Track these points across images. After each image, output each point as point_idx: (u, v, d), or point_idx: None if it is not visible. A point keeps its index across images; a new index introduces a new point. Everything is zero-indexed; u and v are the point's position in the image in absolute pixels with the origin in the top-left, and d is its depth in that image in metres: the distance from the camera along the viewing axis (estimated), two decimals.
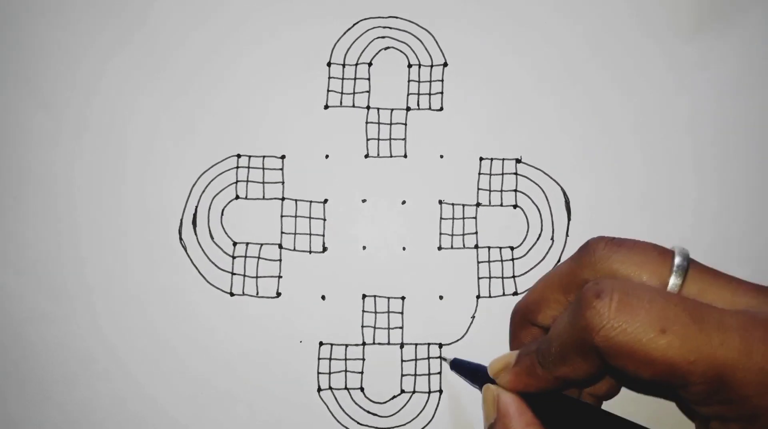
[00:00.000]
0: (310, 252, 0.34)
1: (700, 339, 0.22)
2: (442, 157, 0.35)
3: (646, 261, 0.25)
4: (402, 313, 0.34)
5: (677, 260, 0.24)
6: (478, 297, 0.34)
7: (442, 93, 0.35)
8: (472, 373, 0.32)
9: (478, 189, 0.35)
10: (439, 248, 0.35)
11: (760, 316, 0.23)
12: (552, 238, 0.35)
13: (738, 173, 0.35)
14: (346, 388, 0.34)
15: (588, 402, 0.29)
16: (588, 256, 0.26)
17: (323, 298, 0.34)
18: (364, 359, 0.34)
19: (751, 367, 0.21)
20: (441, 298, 0.34)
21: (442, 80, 0.35)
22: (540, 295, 0.26)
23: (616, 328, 0.22)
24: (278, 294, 0.34)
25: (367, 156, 0.35)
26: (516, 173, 0.35)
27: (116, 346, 0.34)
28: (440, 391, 0.34)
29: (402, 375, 0.34)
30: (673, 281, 0.25)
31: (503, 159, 0.35)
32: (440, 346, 0.34)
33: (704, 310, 0.23)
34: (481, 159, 0.35)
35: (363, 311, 0.34)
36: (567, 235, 0.35)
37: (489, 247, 0.35)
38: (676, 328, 0.22)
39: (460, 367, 0.33)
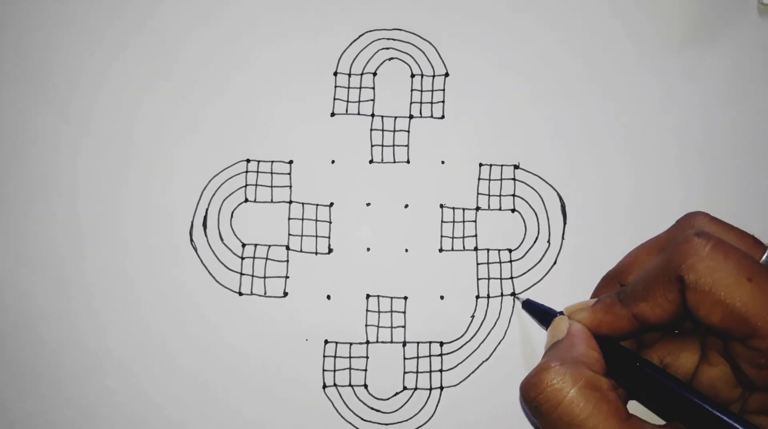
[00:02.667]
0: (316, 253, 0.36)
1: None
2: (443, 162, 0.37)
3: (741, 241, 0.26)
4: (404, 312, 0.35)
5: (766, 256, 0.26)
6: (477, 297, 0.36)
7: (443, 102, 0.37)
8: (543, 313, 0.33)
9: (478, 193, 0.36)
10: (440, 250, 0.36)
11: None
12: (548, 241, 0.36)
13: (724, 179, 0.36)
14: (350, 385, 0.35)
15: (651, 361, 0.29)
16: (688, 223, 0.28)
17: (329, 297, 0.35)
18: (367, 357, 0.35)
19: None
20: (442, 298, 0.36)
21: (444, 90, 0.37)
22: (634, 258, 0.27)
23: (706, 264, 0.24)
24: (285, 294, 0.35)
25: (371, 161, 0.36)
26: (514, 179, 0.37)
27: (127, 343, 0.35)
28: (441, 388, 0.35)
29: (404, 372, 0.35)
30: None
31: (502, 165, 0.37)
32: (441, 344, 0.35)
33: None
34: (480, 165, 0.37)
35: (367, 310, 0.35)
36: (563, 237, 0.36)
37: (488, 250, 0.36)
38: (761, 280, 0.23)
39: (531, 307, 0.33)
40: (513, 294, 0.36)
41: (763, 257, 0.26)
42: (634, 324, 0.27)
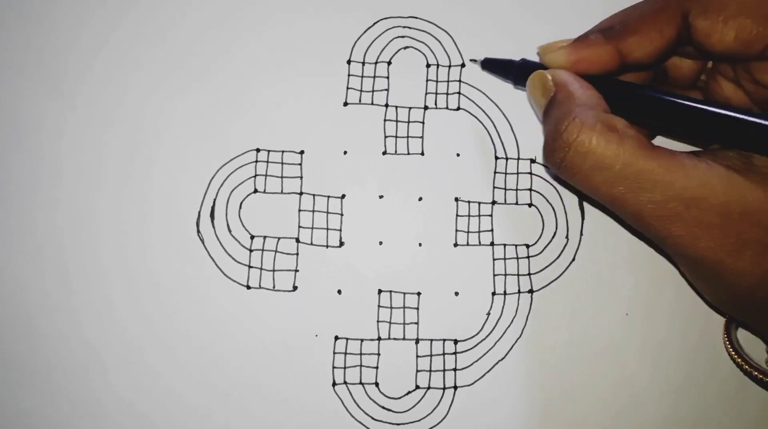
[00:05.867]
0: (327, 246, 0.35)
1: None
2: (458, 155, 0.36)
3: None
4: (417, 308, 0.34)
5: None
6: (493, 294, 0.34)
7: (459, 93, 0.36)
8: (512, 67, 0.32)
9: (494, 187, 0.35)
10: (455, 245, 0.35)
11: None
12: (567, 237, 0.35)
13: None
14: (360, 383, 0.34)
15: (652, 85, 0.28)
16: None
17: (339, 292, 0.34)
18: (379, 354, 0.34)
19: None
20: (456, 294, 0.35)
21: (460, 80, 0.36)
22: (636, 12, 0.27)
23: None
24: (295, 288, 0.34)
25: (384, 153, 0.35)
26: (531, 173, 0.36)
27: (130, 337, 0.33)
28: (455, 387, 0.34)
29: (417, 371, 0.34)
30: None
31: (518, 158, 0.36)
32: (455, 342, 0.34)
33: None
34: (496, 158, 0.36)
35: (379, 306, 0.34)
36: (581, 233, 0.35)
37: (504, 245, 0.35)
38: None
39: (492, 63, 0.32)
40: (471, 59, 0.34)
41: None
42: (615, 60, 0.27)
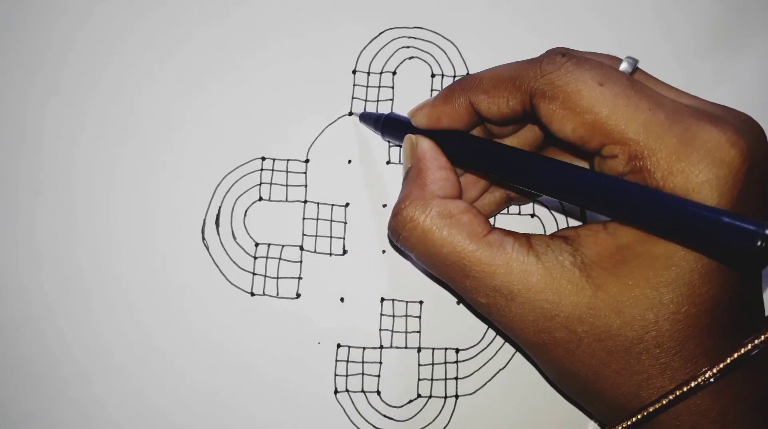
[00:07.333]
0: (331, 254, 0.35)
1: (633, 100, 0.23)
2: None
3: (602, 57, 0.27)
4: (420, 317, 0.35)
5: (623, 66, 0.26)
6: None
7: None
8: (375, 121, 0.34)
9: None
10: None
11: (694, 107, 0.24)
12: None
13: None
14: (362, 391, 0.34)
15: (497, 142, 0.29)
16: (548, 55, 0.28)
17: (342, 300, 0.35)
18: (381, 362, 0.34)
19: (667, 140, 0.22)
20: (458, 303, 0.35)
21: None
22: (502, 72, 0.27)
23: (563, 77, 0.24)
24: (298, 295, 0.35)
25: (388, 162, 0.36)
26: None
27: (134, 343, 0.34)
28: (456, 396, 0.34)
29: (419, 379, 0.34)
30: None
31: None
32: (457, 351, 0.34)
33: (644, 85, 0.25)
34: None
35: (381, 314, 0.34)
36: None
37: None
38: (613, 85, 0.24)
39: (365, 117, 0.34)
40: (350, 112, 0.35)
41: (620, 68, 0.26)
42: (471, 114, 0.28)
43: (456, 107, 0.28)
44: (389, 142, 0.35)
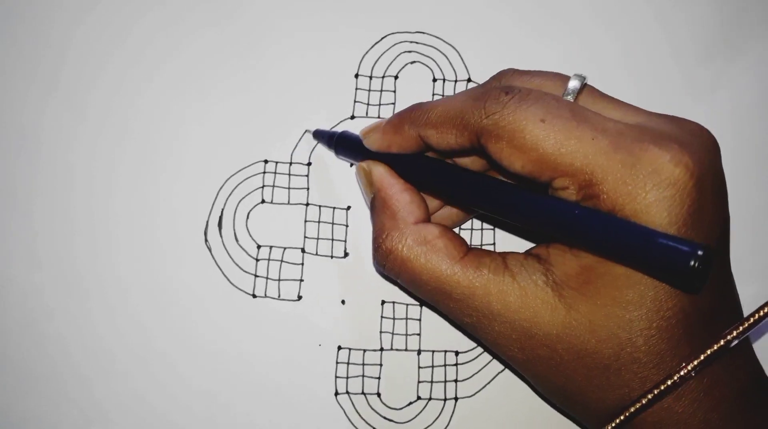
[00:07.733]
0: (332, 257, 0.35)
1: (575, 132, 0.24)
2: None
3: (545, 83, 0.27)
4: (420, 320, 0.35)
5: (571, 84, 0.26)
6: None
7: None
8: (328, 139, 0.34)
9: None
10: None
11: (638, 127, 0.24)
12: None
13: (753, 190, 0.36)
14: (363, 392, 0.34)
15: (451, 163, 0.30)
16: (495, 81, 0.29)
17: (343, 302, 0.35)
18: (381, 365, 0.34)
19: (612, 166, 0.23)
20: None
21: None
22: (451, 105, 0.27)
23: (506, 118, 0.24)
24: (299, 297, 0.35)
25: None
26: None
27: (135, 344, 0.34)
28: (455, 399, 0.34)
29: (419, 381, 0.34)
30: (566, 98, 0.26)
31: None
32: (456, 353, 0.35)
33: (587, 112, 0.25)
34: None
35: (382, 317, 0.35)
36: None
37: None
38: (555, 120, 0.24)
39: (318, 135, 0.34)
40: (306, 131, 0.36)
41: (567, 89, 0.26)
42: (421, 145, 0.29)
43: (406, 138, 0.29)
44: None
